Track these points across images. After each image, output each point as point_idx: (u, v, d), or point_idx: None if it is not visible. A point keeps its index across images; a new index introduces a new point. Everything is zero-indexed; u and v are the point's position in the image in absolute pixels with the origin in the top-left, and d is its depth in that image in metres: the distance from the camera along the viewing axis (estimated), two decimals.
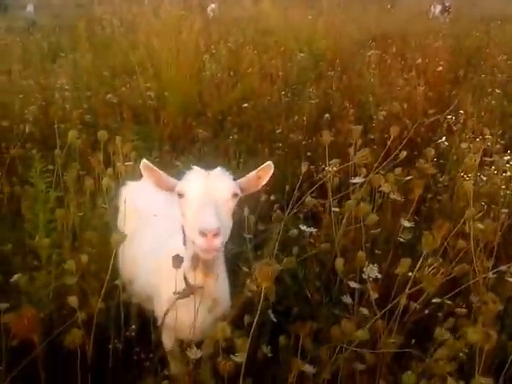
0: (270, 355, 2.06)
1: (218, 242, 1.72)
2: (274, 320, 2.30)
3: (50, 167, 3.33)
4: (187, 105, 5.86)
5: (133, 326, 2.39)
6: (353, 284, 2.34)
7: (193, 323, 2.06)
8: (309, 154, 4.40)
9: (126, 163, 3.11)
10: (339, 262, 2.08)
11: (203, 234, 1.70)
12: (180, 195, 1.91)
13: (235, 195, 1.91)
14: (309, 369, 1.71)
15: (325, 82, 5.83)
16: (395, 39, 8.29)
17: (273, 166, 2.00)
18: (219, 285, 2.09)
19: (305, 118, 4.66)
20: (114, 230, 2.77)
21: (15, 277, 2.38)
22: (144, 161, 2.01)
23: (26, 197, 3.02)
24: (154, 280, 2.30)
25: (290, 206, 2.82)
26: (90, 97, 5.40)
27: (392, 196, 2.88)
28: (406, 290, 1.84)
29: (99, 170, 3.18)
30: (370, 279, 1.94)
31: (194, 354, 1.87)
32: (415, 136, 4.63)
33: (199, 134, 5.08)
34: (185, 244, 2.01)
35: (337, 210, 2.75)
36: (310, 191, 2.82)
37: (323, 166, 3.44)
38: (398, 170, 3.04)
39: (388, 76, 5.93)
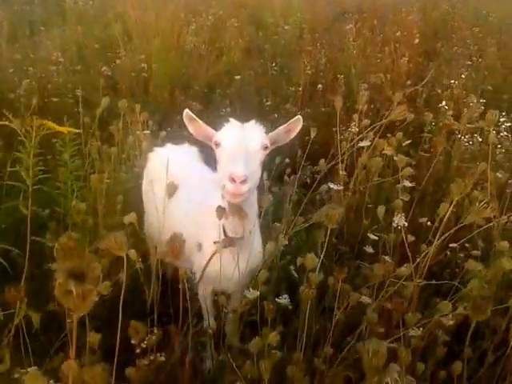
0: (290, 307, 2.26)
1: (245, 187, 1.87)
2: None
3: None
4: (173, 77, 5.98)
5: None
6: (372, 235, 2.67)
7: (232, 273, 2.28)
8: (304, 123, 4.62)
9: (145, 131, 3.27)
10: (381, 210, 2.33)
11: (232, 179, 1.85)
12: (217, 144, 2.08)
13: (265, 147, 2.07)
14: (366, 299, 1.98)
15: (308, 55, 6.04)
16: (369, 13, 8.56)
17: (302, 119, 2.16)
18: (254, 237, 2.31)
19: (300, 89, 4.88)
20: (144, 195, 2.99)
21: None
22: (187, 110, 2.18)
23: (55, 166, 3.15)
24: (195, 235, 2.45)
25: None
26: (87, 70, 5.44)
27: (396, 158, 3.17)
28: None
29: (119, 139, 3.35)
30: (400, 227, 2.23)
31: (252, 294, 2.08)
32: None
33: (192, 106, 5.24)
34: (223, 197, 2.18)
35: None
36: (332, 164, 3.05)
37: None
38: (399, 135, 3.32)
39: (367, 49, 6.20)
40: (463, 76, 5.13)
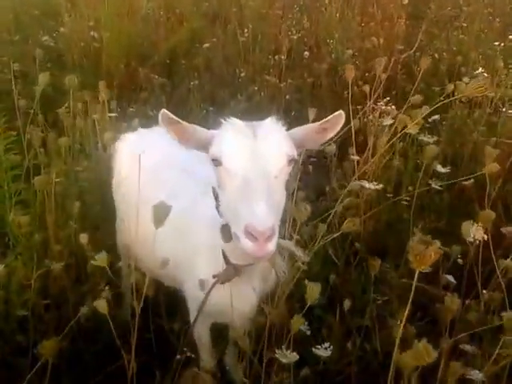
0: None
1: (272, 246, 1.28)
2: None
3: None
4: (129, 47, 5.17)
5: None
6: None
7: (241, 308, 1.69)
8: (287, 97, 3.97)
9: (109, 114, 2.52)
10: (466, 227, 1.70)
11: (251, 235, 1.27)
12: (215, 161, 1.45)
13: (292, 160, 1.46)
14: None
15: (290, 19, 5.33)
16: None
17: (344, 115, 1.56)
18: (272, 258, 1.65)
19: (283, 57, 4.18)
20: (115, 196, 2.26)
21: None
22: (164, 110, 1.51)
23: None
24: (182, 253, 1.85)
25: None
26: (25, 40, 4.56)
27: (422, 138, 2.56)
28: None
29: (69, 123, 2.58)
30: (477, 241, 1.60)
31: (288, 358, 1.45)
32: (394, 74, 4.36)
33: (154, 80, 4.48)
34: (218, 209, 1.56)
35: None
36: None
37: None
38: (425, 109, 2.69)
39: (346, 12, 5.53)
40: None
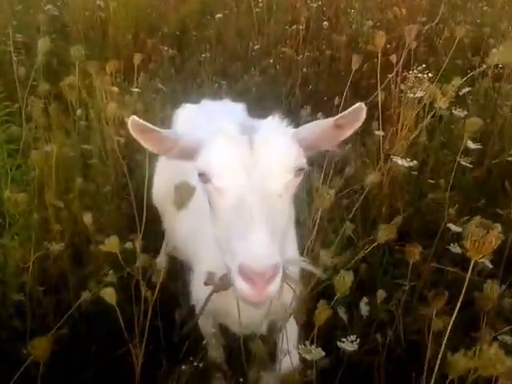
0: None
1: (274, 288, 1.02)
2: None
3: None
4: (137, 18, 4.96)
5: None
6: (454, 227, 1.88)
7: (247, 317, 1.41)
8: (304, 70, 3.76)
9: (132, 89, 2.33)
10: None
11: (247, 276, 1.01)
12: (203, 177, 1.18)
13: (300, 170, 1.18)
14: None
15: None
16: None
17: (365, 108, 1.25)
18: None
19: (301, 27, 3.95)
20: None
21: None
22: (133, 117, 1.25)
23: None
24: (191, 246, 1.68)
25: None
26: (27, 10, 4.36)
27: (454, 112, 2.36)
28: None
29: (71, 97, 2.39)
30: None
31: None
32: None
33: (164, 52, 4.28)
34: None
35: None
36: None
37: None
38: (457, 81, 2.47)
39: None
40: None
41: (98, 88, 2.37)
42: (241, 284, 1.02)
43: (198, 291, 1.52)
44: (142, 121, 1.24)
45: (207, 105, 2.13)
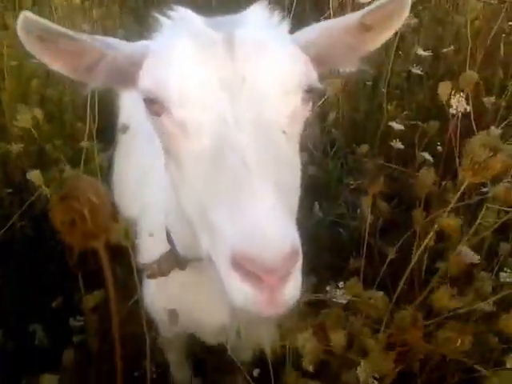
0: None
1: (293, 290, 0.66)
2: None
3: None
4: None
5: None
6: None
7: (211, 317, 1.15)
8: None
9: None
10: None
11: (247, 271, 0.63)
12: (154, 104, 0.76)
13: (310, 92, 0.78)
14: None
15: None
16: None
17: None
18: None
19: None
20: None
21: None
22: (25, 14, 0.79)
23: None
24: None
25: None
26: None
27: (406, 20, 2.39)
28: None
29: None
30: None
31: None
32: None
33: None
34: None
35: None
36: None
37: None
38: None
39: None
40: None
41: None
42: (236, 285, 0.64)
43: (152, 299, 1.21)
44: (42, 19, 0.78)
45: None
